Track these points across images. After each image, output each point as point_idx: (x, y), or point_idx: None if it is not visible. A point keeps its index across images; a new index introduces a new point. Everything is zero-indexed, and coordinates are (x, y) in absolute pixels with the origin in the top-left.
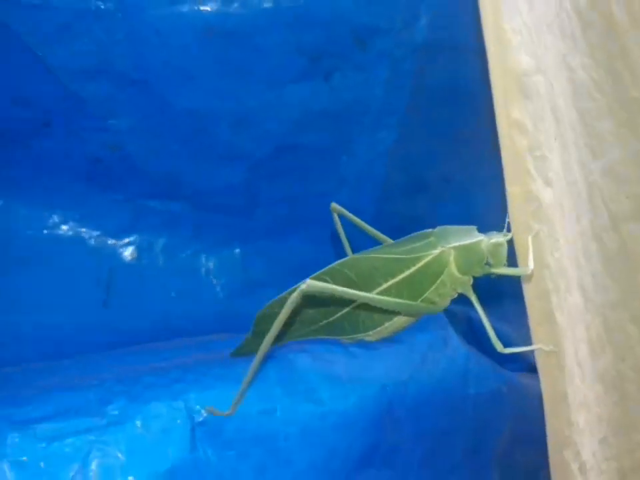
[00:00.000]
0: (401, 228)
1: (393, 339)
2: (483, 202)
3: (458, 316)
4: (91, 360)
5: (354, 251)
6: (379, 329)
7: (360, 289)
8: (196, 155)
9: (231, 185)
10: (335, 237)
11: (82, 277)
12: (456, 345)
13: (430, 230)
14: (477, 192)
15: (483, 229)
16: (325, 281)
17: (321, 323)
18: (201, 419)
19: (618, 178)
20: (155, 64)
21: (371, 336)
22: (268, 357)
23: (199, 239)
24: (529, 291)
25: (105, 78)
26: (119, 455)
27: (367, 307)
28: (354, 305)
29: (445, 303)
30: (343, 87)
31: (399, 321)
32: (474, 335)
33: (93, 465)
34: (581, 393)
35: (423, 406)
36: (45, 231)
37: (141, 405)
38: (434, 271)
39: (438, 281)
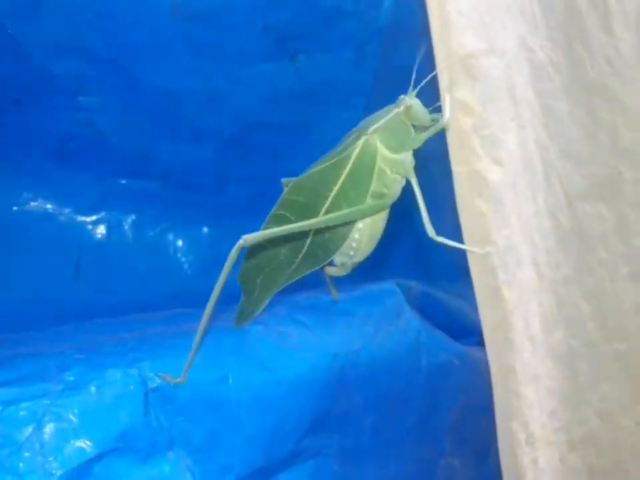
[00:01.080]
0: None
1: (346, 312)
2: (448, 181)
3: (413, 291)
4: (55, 332)
5: None
6: (351, 243)
7: (313, 209)
8: (165, 133)
9: (201, 163)
10: None
11: (52, 253)
12: (409, 317)
13: (355, 127)
14: (440, 171)
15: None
16: (283, 216)
17: (297, 260)
18: (154, 386)
19: (574, 158)
20: (124, 42)
21: (355, 256)
22: (223, 328)
23: (168, 216)
24: (475, 267)
25: (76, 56)
26: (73, 419)
27: (325, 227)
28: (313, 231)
29: (395, 191)
30: (310, 68)
31: (366, 226)
32: (428, 310)
33: (47, 428)
34: (531, 366)
35: (374, 375)
36: (15, 208)
37: (96, 372)
38: (367, 161)
39: (376, 170)
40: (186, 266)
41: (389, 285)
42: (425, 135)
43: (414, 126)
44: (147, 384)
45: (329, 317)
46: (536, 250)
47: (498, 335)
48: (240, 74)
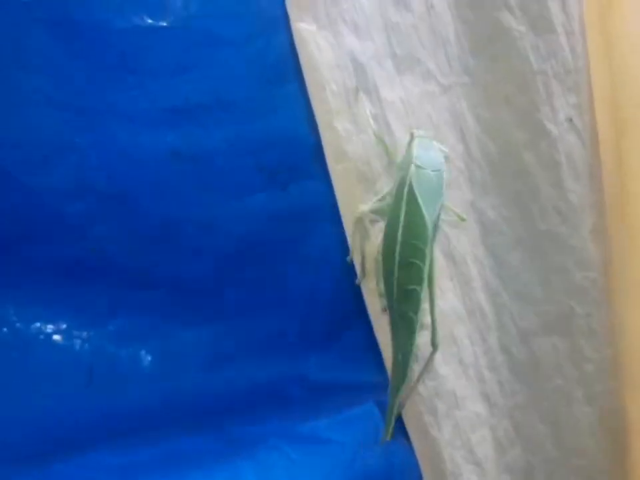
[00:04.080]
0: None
1: (327, 440)
2: None
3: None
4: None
5: None
6: None
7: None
8: (167, 252)
9: (201, 275)
10: (297, 313)
11: (66, 364)
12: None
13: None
14: None
15: None
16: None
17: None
18: None
19: (528, 299)
20: (128, 182)
21: None
22: (216, 464)
23: (171, 322)
24: (405, 411)
25: (83, 196)
26: None
27: None
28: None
29: None
30: (299, 194)
31: None
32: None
33: None
34: None
35: None
36: (29, 322)
37: None
38: None
39: None
40: (190, 365)
41: (367, 405)
42: None
43: None
44: None
45: (312, 447)
46: (486, 384)
47: (428, 466)
48: (236, 204)
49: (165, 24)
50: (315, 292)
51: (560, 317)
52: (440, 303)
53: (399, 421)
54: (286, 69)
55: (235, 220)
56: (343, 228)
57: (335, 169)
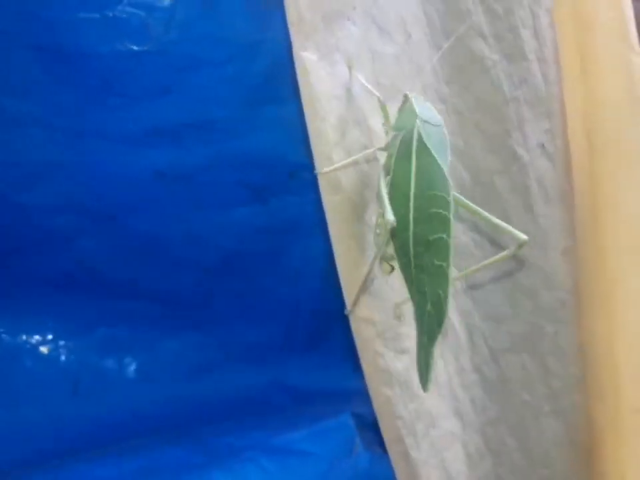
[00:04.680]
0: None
1: (303, 452)
2: None
3: (366, 419)
4: None
5: None
6: None
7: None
8: (152, 264)
9: (184, 286)
10: (278, 322)
11: (52, 374)
12: (360, 451)
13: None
14: None
15: None
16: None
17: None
18: None
19: (498, 319)
20: (114, 199)
21: None
22: (196, 476)
23: (157, 330)
24: (385, 435)
25: (71, 212)
26: None
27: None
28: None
29: None
30: (280, 209)
31: None
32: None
33: None
34: None
35: None
36: (15, 331)
37: None
38: None
39: None
40: (177, 373)
41: (343, 417)
42: None
43: None
44: None
45: (287, 459)
46: (459, 402)
47: None
48: (219, 218)
49: (147, 48)
50: (295, 302)
51: (529, 336)
52: (410, 331)
53: (375, 432)
54: (264, 90)
55: (219, 233)
56: (322, 241)
57: (330, 200)
